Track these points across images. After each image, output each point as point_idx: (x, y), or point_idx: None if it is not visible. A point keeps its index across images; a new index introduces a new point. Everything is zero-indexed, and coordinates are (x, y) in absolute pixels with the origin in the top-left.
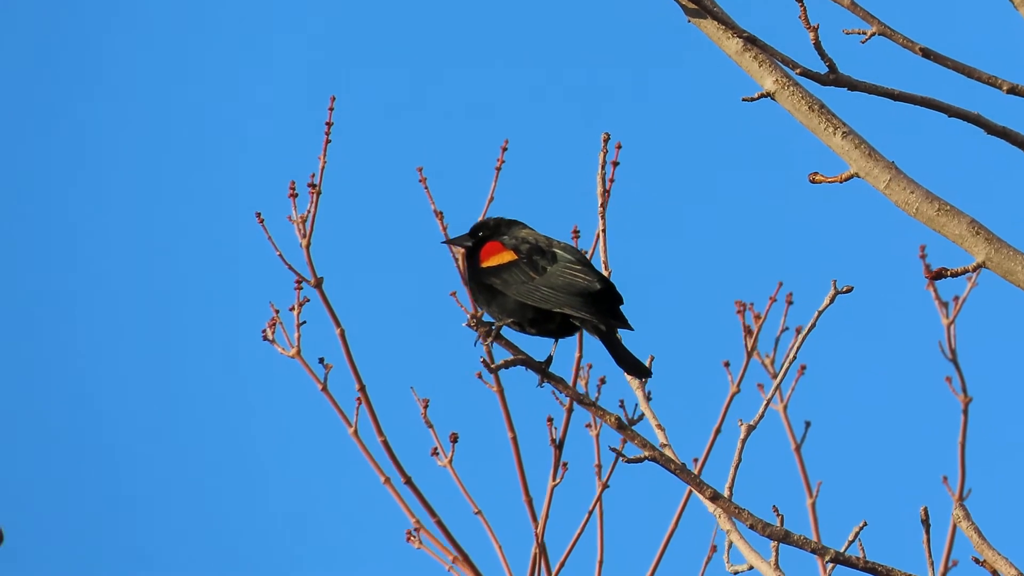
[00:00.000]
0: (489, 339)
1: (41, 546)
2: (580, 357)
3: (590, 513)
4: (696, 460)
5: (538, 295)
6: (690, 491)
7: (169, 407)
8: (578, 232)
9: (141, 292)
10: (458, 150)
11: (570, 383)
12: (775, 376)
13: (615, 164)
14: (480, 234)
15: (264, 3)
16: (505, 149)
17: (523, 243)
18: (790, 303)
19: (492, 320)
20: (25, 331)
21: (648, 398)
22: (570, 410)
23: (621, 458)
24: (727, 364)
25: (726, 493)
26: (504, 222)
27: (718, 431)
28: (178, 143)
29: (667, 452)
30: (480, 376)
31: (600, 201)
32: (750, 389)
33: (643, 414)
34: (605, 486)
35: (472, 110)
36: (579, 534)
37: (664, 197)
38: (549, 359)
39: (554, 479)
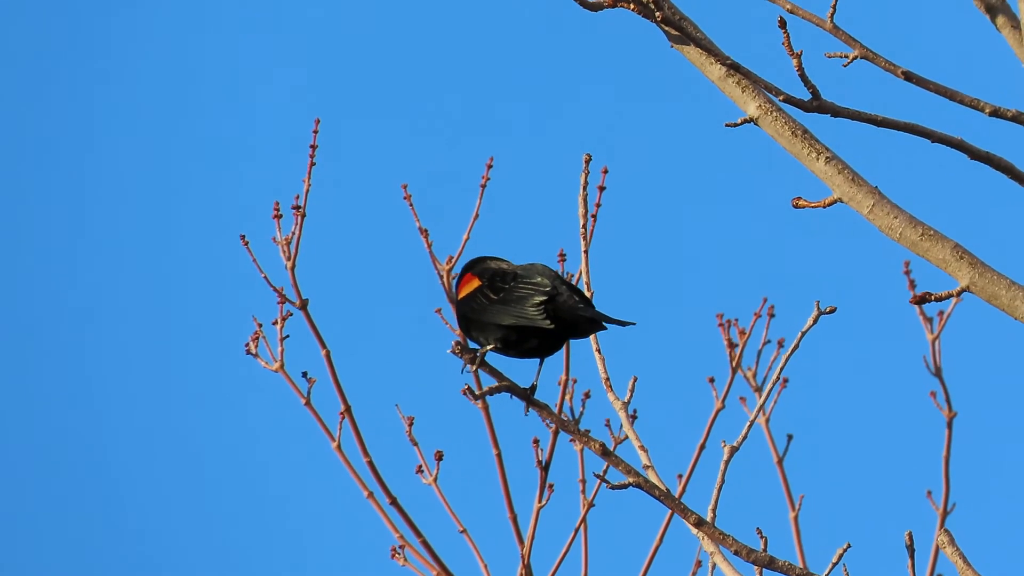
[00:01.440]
0: (474, 366)
1: (22, 561)
2: (567, 375)
3: (575, 532)
4: (680, 476)
5: (498, 314)
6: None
7: (152, 423)
8: (564, 255)
9: (126, 311)
10: (443, 169)
11: (556, 400)
12: (757, 389)
13: (601, 189)
14: (463, 271)
15: (249, 25)
16: (490, 167)
17: (487, 270)
18: (772, 316)
19: (477, 346)
20: (15, 347)
21: (633, 418)
22: (556, 432)
23: (605, 484)
24: (712, 380)
25: (709, 516)
26: (486, 258)
27: (702, 447)
28: (162, 165)
29: (650, 473)
30: (467, 392)
31: (582, 223)
32: (733, 403)
33: (625, 435)
34: (590, 505)
35: (457, 129)
36: (564, 553)
37: (647, 222)
38: (533, 386)
39: (540, 501)
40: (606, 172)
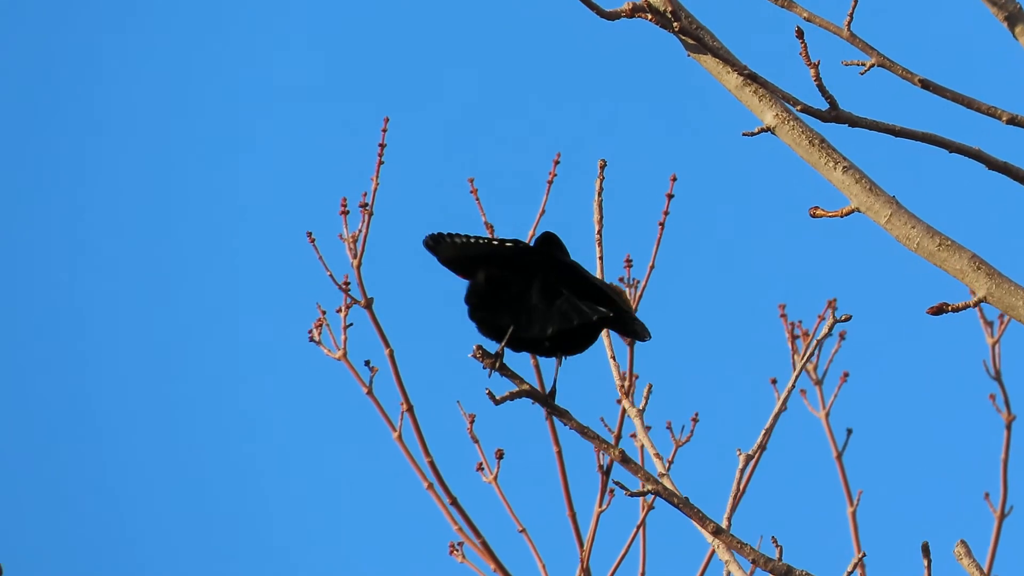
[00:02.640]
0: (495, 367)
1: (79, 544)
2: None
3: (634, 534)
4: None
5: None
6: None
7: (213, 408)
8: (630, 261)
9: (194, 305)
10: (510, 167)
11: (620, 395)
12: (818, 382)
13: (670, 196)
14: None
15: (313, 21)
16: (557, 163)
17: None
18: (834, 308)
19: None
20: (64, 335)
21: (695, 419)
22: (618, 437)
23: (624, 492)
24: (774, 381)
25: (725, 523)
26: None
27: (763, 447)
28: (229, 161)
29: (665, 481)
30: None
31: (596, 228)
32: (795, 402)
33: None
34: (650, 507)
35: (520, 126)
36: (623, 555)
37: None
38: (553, 390)
39: (600, 505)
40: (675, 179)
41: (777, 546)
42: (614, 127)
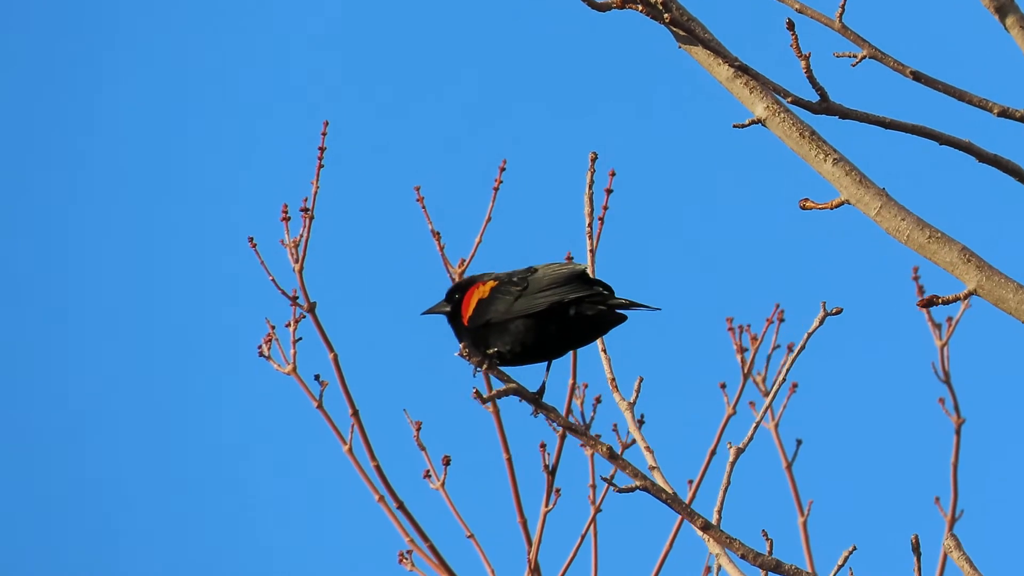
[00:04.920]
0: (484, 367)
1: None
2: (575, 379)
3: (583, 536)
4: (691, 481)
5: (530, 303)
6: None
7: (162, 424)
8: (570, 258)
9: (136, 315)
10: (455, 172)
11: (565, 404)
12: (767, 394)
13: (608, 191)
14: (456, 296)
15: (257, 25)
16: (503, 169)
17: (489, 275)
18: (782, 320)
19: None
20: (18, 346)
21: (641, 422)
22: (563, 436)
23: (613, 488)
24: (723, 385)
25: (715, 517)
26: (476, 276)
27: (713, 452)
28: (172, 167)
29: (655, 474)
30: (476, 395)
31: (588, 222)
32: (744, 409)
33: (634, 439)
34: (598, 510)
35: (468, 131)
36: (572, 557)
37: (655, 222)
38: (542, 388)
39: (547, 505)
40: (613, 175)
41: (767, 540)
42: (603, 120)
